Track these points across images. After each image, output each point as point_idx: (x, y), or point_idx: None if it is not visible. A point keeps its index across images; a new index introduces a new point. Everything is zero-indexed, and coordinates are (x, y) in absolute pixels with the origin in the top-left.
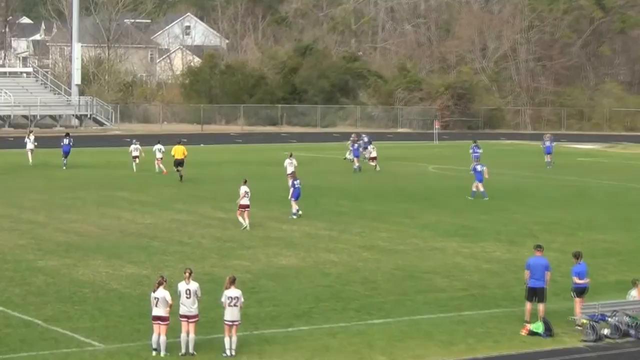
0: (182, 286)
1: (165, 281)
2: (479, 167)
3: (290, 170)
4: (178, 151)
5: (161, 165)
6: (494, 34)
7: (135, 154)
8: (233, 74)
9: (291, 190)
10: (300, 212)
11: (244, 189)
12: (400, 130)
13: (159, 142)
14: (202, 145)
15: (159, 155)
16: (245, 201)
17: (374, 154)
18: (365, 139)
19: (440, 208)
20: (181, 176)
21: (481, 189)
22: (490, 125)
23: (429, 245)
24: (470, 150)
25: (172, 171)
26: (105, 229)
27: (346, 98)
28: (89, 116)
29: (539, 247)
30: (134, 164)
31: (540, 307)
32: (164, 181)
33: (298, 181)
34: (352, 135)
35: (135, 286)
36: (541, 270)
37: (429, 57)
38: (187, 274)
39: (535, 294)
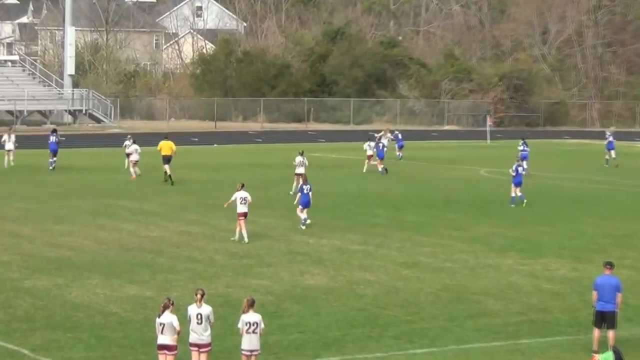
0: (192, 310)
1: (173, 304)
2: (520, 169)
3: (299, 170)
4: (165, 147)
5: (133, 169)
6: (557, 16)
7: (128, 151)
8: (252, 63)
9: (298, 195)
10: (308, 221)
11: (239, 195)
12: (446, 127)
13: (134, 142)
14: (215, 145)
15: (135, 157)
16: (242, 209)
17: (369, 152)
18: (399, 135)
19: (494, 218)
20: (169, 176)
21: (518, 193)
22: (552, 121)
23: (480, 262)
24: (520, 147)
25: (147, 176)
26: (103, 243)
27: (384, 90)
28: (84, 112)
29: (609, 265)
30: (128, 164)
31: (610, 334)
32: (171, 188)
33: (308, 186)
34: (382, 132)
35: (138, 310)
36: (611, 291)
37: (481, 42)
38: (199, 296)
39: (605, 318)
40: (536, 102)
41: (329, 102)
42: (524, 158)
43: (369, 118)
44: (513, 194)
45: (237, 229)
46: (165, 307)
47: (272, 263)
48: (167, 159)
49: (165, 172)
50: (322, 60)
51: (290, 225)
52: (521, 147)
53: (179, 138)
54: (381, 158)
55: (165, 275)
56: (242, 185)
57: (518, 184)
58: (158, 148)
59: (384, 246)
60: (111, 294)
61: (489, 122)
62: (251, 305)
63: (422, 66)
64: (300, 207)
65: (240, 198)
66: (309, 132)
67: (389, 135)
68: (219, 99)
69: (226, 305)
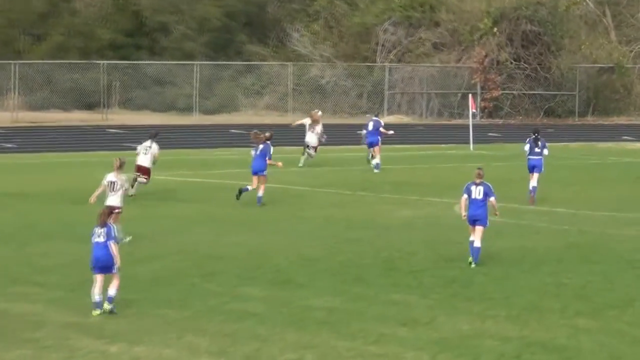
0: None
1: None
2: (479, 190)
3: (141, 160)
4: None
5: None
6: None
7: None
8: None
9: (93, 241)
10: (109, 307)
11: None
12: (388, 118)
13: None
14: None
15: None
16: None
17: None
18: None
19: (483, 301)
20: None
21: (475, 241)
22: (599, 107)
23: None
24: (526, 147)
25: None
26: None
27: (261, 44)
28: None
29: None
30: None
31: None
32: None
33: (107, 229)
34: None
35: None
36: None
37: None
38: None
39: None
40: (568, 68)
41: (151, 70)
42: (533, 168)
43: (232, 101)
44: (472, 237)
45: None
46: None
47: None
48: None
49: None
50: None
51: (74, 316)
52: (527, 148)
53: None
54: (258, 173)
55: None
56: None
57: (475, 220)
58: None
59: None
60: None
61: (472, 108)
62: None
63: None
64: (94, 268)
65: None
66: (110, 130)
67: (318, 128)
68: None
69: None
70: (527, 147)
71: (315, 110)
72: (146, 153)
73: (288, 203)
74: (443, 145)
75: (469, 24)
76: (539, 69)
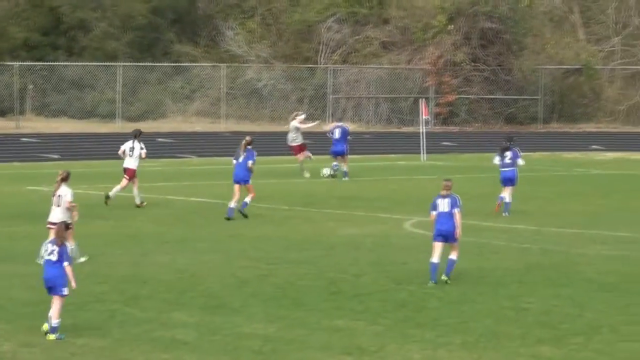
0: None
1: None
2: (441, 202)
3: (128, 163)
4: None
5: None
6: None
7: None
8: None
9: (44, 258)
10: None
11: None
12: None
13: None
14: None
15: None
16: None
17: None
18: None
19: (431, 326)
20: None
21: (451, 255)
22: (565, 113)
23: None
24: (496, 160)
25: None
26: None
27: (191, 43)
28: None
29: None
30: None
31: None
32: None
33: (68, 251)
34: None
35: None
36: None
37: None
38: None
39: None
40: (531, 70)
41: (69, 72)
42: (506, 180)
43: (158, 107)
44: (433, 258)
45: None
46: None
47: None
48: None
49: None
50: None
51: None
52: (498, 160)
53: None
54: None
55: None
56: None
57: (443, 236)
58: None
59: None
60: None
61: (424, 114)
62: None
63: None
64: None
65: None
66: (23, 139)
67: (301, 124)
68: None
69: None
70: (496, 159)
71: (296, 113)
72: (132, 155)
73: (220, 219)
74: (392, 156)
75: (422, 21)
76: (498, 70)
